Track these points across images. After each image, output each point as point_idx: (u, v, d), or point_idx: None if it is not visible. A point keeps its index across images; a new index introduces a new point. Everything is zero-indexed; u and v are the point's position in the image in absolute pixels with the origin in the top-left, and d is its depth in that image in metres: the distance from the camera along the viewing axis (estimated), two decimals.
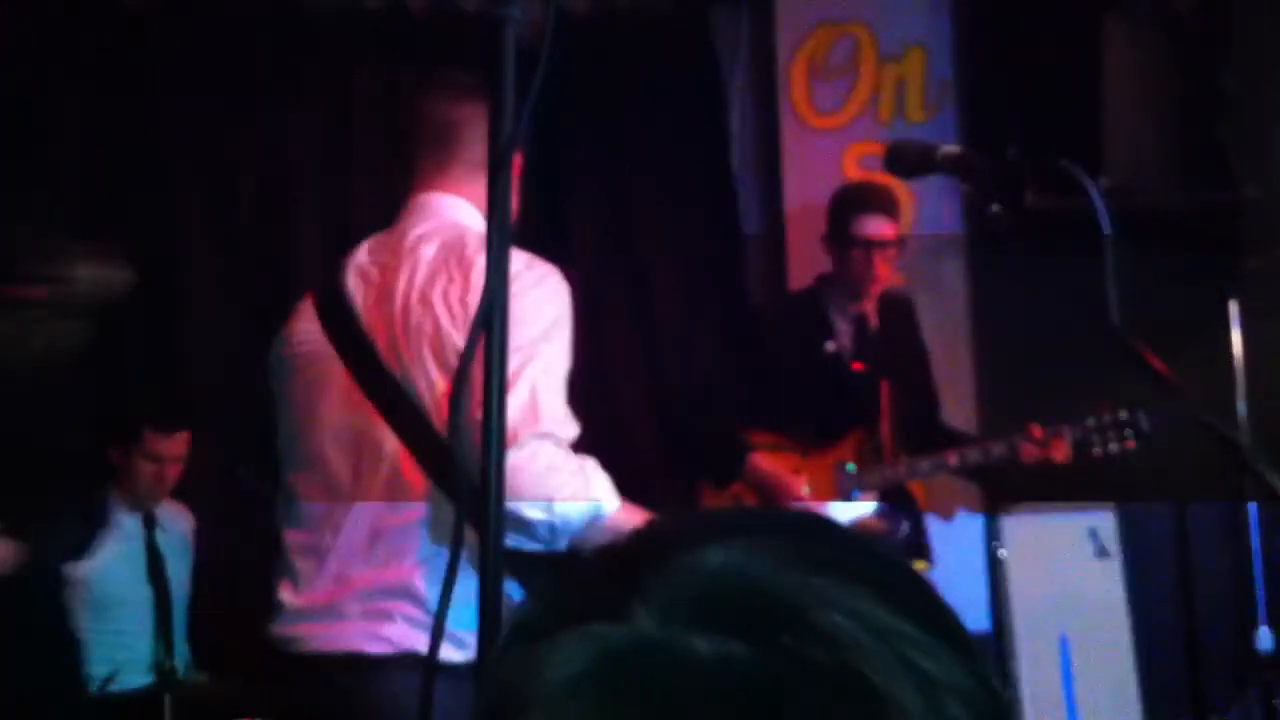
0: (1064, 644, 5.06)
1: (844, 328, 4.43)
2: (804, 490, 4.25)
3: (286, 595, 2.57)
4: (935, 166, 2.81)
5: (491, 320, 1.74)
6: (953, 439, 4.48)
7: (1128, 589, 5.15)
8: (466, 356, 1.77)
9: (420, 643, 2.42)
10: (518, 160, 2.65)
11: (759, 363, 4.46)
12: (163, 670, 4.29)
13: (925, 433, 4.48)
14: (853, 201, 4.39)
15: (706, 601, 0.77)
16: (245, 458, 4.15)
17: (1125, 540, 5.14)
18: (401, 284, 2.54)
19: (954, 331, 5.40)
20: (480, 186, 2.58)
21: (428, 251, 2.51)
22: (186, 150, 5.32)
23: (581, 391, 5.29)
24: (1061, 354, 5.05)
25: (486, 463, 1.71)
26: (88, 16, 5.25)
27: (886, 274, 4.36)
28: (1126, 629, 5.11)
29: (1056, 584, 5.13)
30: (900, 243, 4.39)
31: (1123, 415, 4.23)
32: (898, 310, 4.54)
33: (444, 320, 2.47)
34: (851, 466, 4.33)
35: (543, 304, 2.46)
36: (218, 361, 5.10)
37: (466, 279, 2.47)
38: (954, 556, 5.00)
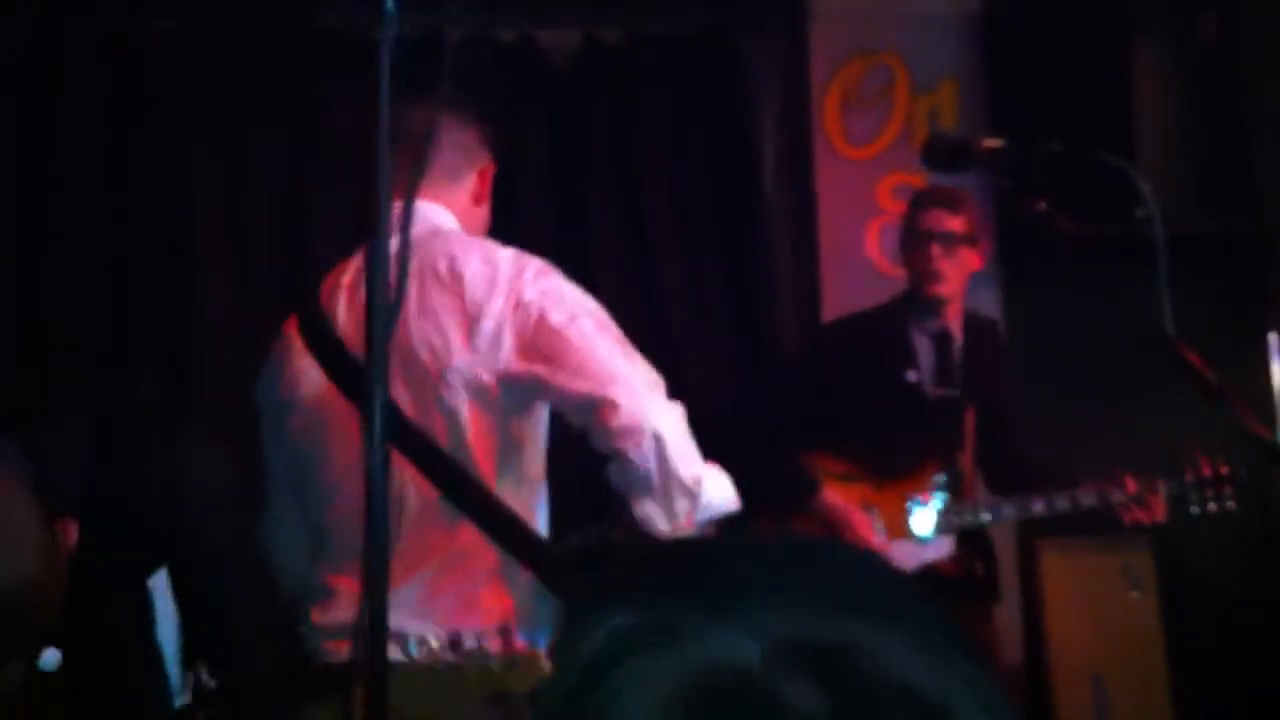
0: (1098, 681, 4.99)
1: (925, 347, 4.21)
2: (877, 529, 4.03)
3: (316, 618, 2.56)
4: (974, 159, 2.77)
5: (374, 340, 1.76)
6: (1036, 473, 4.23)
7: (1163, 624, 5.08)
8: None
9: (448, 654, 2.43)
10: (488, 172, 2.79)
11: (825, 386, 4.22)
12: (200, 691, 4.25)
13: (1007, 466, 4.27)
14: (917, 199, 4.29)
15: (799, 649, 0.75)
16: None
17: (1161, 574, 5.08)
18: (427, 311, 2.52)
19: None
20: (451, 193, 2.70)
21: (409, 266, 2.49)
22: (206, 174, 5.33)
23: None
24: (1098, 378, 5.01)
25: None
26: (109, 38, 5.27)
27: (950, 271, 4.14)
28: (1162, 665, 5.04)
29: (1091, 619, 5.07)
30: (969, 240, 4.16)
31: (1223, 471, 4.01)
32: (983, 333, 4.32)
33: (440, 336, 2.46)
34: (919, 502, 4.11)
35: (568, 292, 2.56)
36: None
37: (460, 287, 2.49)
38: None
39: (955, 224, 4.11)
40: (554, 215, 5.33)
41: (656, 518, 2.43)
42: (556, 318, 2.47)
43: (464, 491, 2.44)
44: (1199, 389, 2.30)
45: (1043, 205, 4.12)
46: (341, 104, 5.07)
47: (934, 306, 4.18)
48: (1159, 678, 5.04)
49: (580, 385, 2.43)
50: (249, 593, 4.10)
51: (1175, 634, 5.06)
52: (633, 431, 2.41)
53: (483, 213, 2.79)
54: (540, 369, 2.45)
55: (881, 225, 5.56)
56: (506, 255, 2.56)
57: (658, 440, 2.40)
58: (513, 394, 2.46)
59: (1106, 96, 4.90)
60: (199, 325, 5.19)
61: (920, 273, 4.16)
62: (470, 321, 2.45)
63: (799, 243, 5.61)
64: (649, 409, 2.43)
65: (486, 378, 2.44)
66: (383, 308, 1.73)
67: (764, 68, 5.65)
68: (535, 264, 2.57)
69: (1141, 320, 2.29)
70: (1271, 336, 4.40)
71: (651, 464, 2.41)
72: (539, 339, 2.45)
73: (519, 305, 2.46)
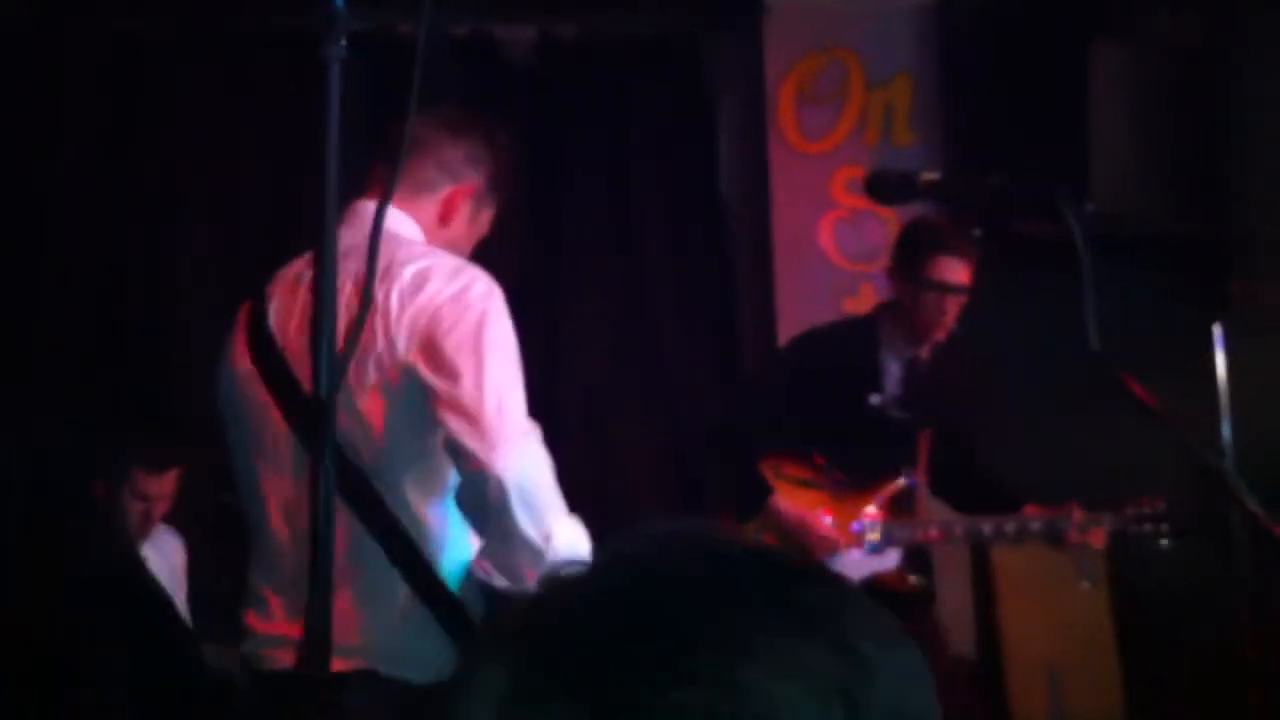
0: (1052, 670, 5.05)
1: (894, 372, 4.16)
2: (827, 535, 4.03)
3: (253, 623, 2.56)
4: (917, 193, 2.79)
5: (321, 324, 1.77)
6: (989, 492, 4.23)
7: (1115, 616, 5.14)
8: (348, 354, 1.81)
9: (379, 663, 2.43)
10: (463, 195, 2.69)
11: (788, 398, 4.15)
12: None
13: (966, 485, 4.26)
14: (932, 241, 4.05)
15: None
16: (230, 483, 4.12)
17: (1112, 568, 5.12)
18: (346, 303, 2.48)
19: None
20: (415, 203, 2.62)
21: (351, 266, 2.37)
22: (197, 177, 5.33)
23: (570, 418, 5.33)
24: (1048, 384, 5.05)
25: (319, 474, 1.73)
26: (109, 38, 5.27)
27: (954, 320, 4.07)
28: (1114, 653, 5.10)
29: (1043, 610, 5.12)
30: (972, 289, 4.06)
31: (1162, 509, 4.08)
32: (953, 351, 4.21)
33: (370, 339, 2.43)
34: (878, 527, 4.10)
35: (467, 315, 2.45)
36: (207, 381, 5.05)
37: (387, 294, 2.44)
38: (942, 583, 4.98)
39: (968, 275, 4.02)
40: (508, 214, 5.33)
41: (495, 573, 2.43)
42: (461, 333, 2.42)
43: (392, 543, 2.44)
44: (1131, 407, 2.32)
45: (978, 233, 4.17)
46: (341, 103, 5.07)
47: (920, 342, 4.14)
48: (1111, 666, 5.10)
49: (451, 411, 2.39)
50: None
51: (1126, 623, 5.12)
52: (484, 476, 2.37)
53: (450, 234, 2.68)
54: (432, 379, 2.41)
55: (835, 219, 5.59)
56: (444, 265, 2.52)
57: (506, 490, 2.36)
58: (414, 396, 2.42)
59: (1062, 92, 4.93)
60: (193, 325, 5.19)
61: (928, 320, 4.05)
62: (385, 323, 2.42)
63: (754, 236, 5.63)
64: (508, 456, 2.38)
65: (392, 377, 2.42)
66: (329, 318, 1.72)
67: (720, 63, 5.68)
68: (468, 275, 2.51)
69: (1078, 333, 2.31)
70: (1215, 328, 4.44)
71: (493, 511, 2.39)
72: (438, 349, 2.41)
73: (433, 311, 2.42)
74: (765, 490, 4.07)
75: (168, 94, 5.32)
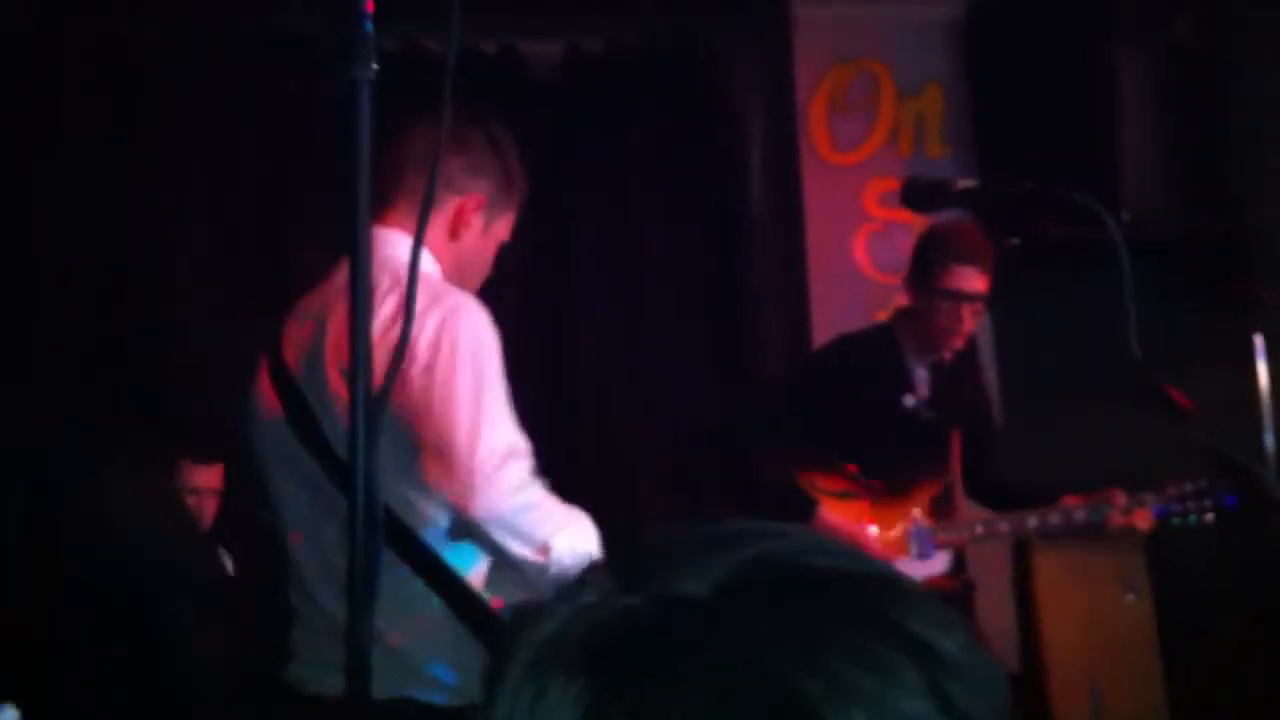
0: (1094, 684, 5.00)
1: (921, 375, 4.14)
2: (876, 547, 4.00)
3: (294, 644, 2.57)
4: (951, 201, 2.79)
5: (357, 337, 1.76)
6: (1019, 492, 4.20)
7: (1159, 627, 5.09)
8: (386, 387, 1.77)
9: (412, 688, 2.42)
10: (471, 206, 2.63)
11: (819, 408, 4.12)
12: None
13: (990, 485, 4.24)
14: (947, 249, 4.00)
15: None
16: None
17: (1154, 577, 5.08)
18: (332, 332, 2.48)
19: None
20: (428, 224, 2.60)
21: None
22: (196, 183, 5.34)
23: (588, 432, 5.32)
24: (1087, 391, 5.01)
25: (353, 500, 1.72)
26: (87, 44, 5.30)
27: (972, 328, 4.06)
28: (1157, 668, 5.04)
29: (1086, 622, 5.08)
30: (988, 298, 4.03)
31: (1203, 484, 4.01)
32: (965, 353, 4.18)
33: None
34: (922, 525, 4.08)
35: (438, 353, 2.41)
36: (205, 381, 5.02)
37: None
38: (984, 595, 4.95)
39: (985, 283, 3.98)
40: (538, 227, 5.33)
41: (509, 585, 2.44)
42: (430, 373, 2.38)
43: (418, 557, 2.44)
44: (1169, 414, 2.31)
45: (1014, 241, 4.17)
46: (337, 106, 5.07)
47: (937, 350, 4.11)
48: (1154, 680, 5.05)
49: (425, 458, 2.38)
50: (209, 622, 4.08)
51: (1170, 636, 5.07)
52: (465, 517, 2.39)
53: (462, 248, 2.64)
54: (404, 422, 2.38)
55: (869, 231, 5.56)
56: (421, 296, 2.35)
57: (487, 528, 2.37)
58: (393, 436, 2.34)
59: (1088, 99, 4.91)
60: (193, 325, 5.20)
61: (944, 328, 4.01)
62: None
63: (787, 250, 5.61)
64: (484, 499, 2.36)
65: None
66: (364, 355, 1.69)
67: (749, 76, 5.66)
68: (444, 307, 2.44)
69: (1117, 339, 2.29)
70: (1257, 337, 4.40)
71: (482, 543, 2.41)
72: (409, 390, 2.37)
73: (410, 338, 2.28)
74: (810, 503, 4.04)
75: (167, 94, 5.34)
